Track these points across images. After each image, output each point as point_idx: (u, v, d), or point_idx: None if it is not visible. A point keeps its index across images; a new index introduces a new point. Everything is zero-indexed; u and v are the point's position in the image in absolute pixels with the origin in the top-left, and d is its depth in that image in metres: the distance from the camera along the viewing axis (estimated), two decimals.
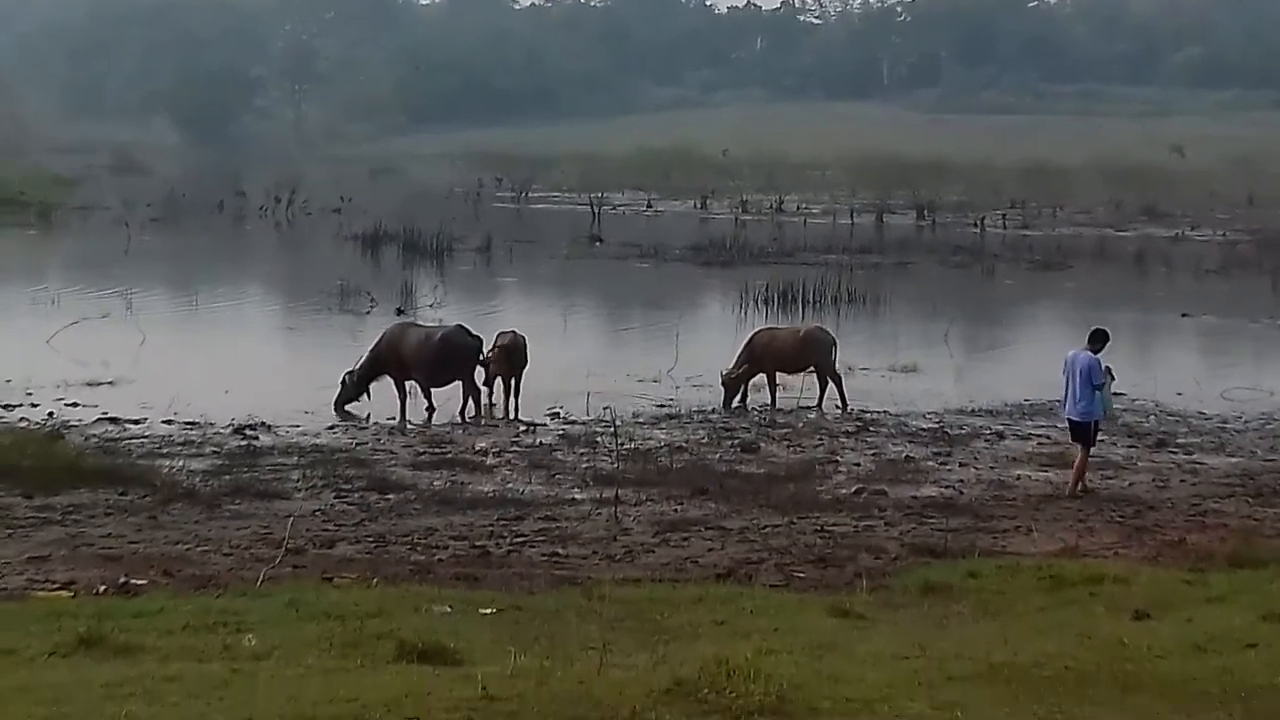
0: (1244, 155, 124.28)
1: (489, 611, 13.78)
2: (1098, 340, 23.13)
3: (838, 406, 29.16)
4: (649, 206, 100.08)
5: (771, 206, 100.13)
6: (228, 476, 21.52)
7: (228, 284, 53.99)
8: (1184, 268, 65.73)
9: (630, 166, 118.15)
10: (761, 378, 30.06)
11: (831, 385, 29.72)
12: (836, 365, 30.05)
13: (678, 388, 30.13)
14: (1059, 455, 24.73)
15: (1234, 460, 24.36)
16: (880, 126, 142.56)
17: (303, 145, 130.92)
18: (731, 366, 29.80)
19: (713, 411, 28.47)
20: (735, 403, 29.22)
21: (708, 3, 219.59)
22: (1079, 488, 22.37)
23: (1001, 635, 12.67)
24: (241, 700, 9.76)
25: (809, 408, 29.15)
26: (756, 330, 32.37)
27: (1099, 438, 23.35)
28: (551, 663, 11.11)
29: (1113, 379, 23.27)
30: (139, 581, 15.46)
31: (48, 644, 11.90)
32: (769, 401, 29.57)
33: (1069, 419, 23.01)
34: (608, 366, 32.67)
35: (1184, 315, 47.86)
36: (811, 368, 29.98)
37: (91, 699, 9.86)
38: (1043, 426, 27.56)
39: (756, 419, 27.86)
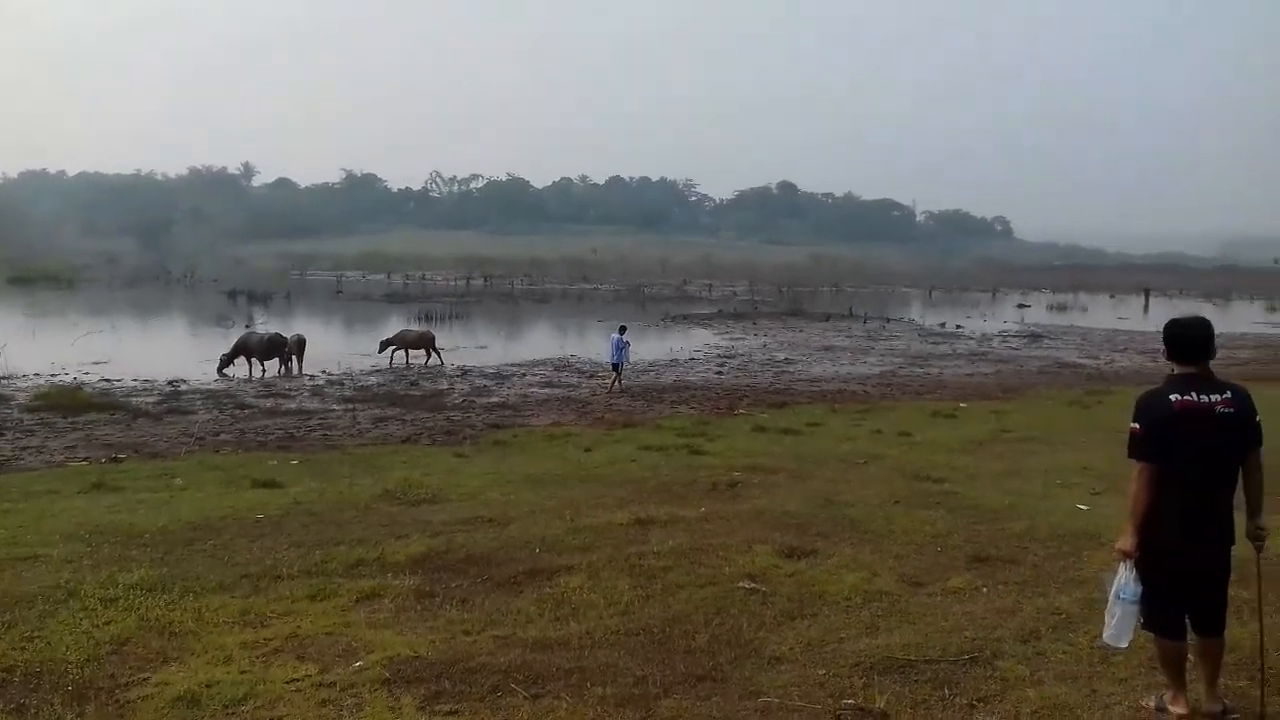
0: (622, 253, 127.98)
1: (295, 462, 13.08)
2: (623, 330, 24.01)
3: (440, 365, 28.19)
4: (364, 278, 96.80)
5: (423, 277, 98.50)
6: (164, 404, 19.97)
7: (163, 314, 50.23)
8: (596, 301, 67.29)
9: (358, 261, 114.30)
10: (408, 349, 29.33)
11: (436, 356, 28.92)
12: (438, 345, 29.49)
13: (378, 357, 29.01)
14: (550, 381, 24.87)
15: (626, 383, 24.36)
16: (471, 243, 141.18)
17: (195, 251, 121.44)
18: (386, 340, 29.09)
19: (394, 368, 27.64)
20: (389, 363, 28.22)
21: (387, 183, 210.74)
22: (616, 390, 22.80)
23: (528, 462, 12.64)
24: (174, 510, 9.06)
25: (427, 366, 28.17)
26: (403, 329, 31.56)
27: (618, 372, 23.64)
28: (326, 484, 10.65)
29: (629, 345, 23.92)
30: (122, 456, 14.17)
31: (76, 487, 10.81)
32: (405, 363, 28.53)
33: (611, 363, 23.60)
34: (346, 348, 31.38)
35: (599, 320, 48.05)
36: (425, 349, 29.28)
37: (104, 508, 9.05)
38: (544, 371, 27.48)
39: (410, 373, 27.01)
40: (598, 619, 5.99)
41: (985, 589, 6.52)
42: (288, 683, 5.03)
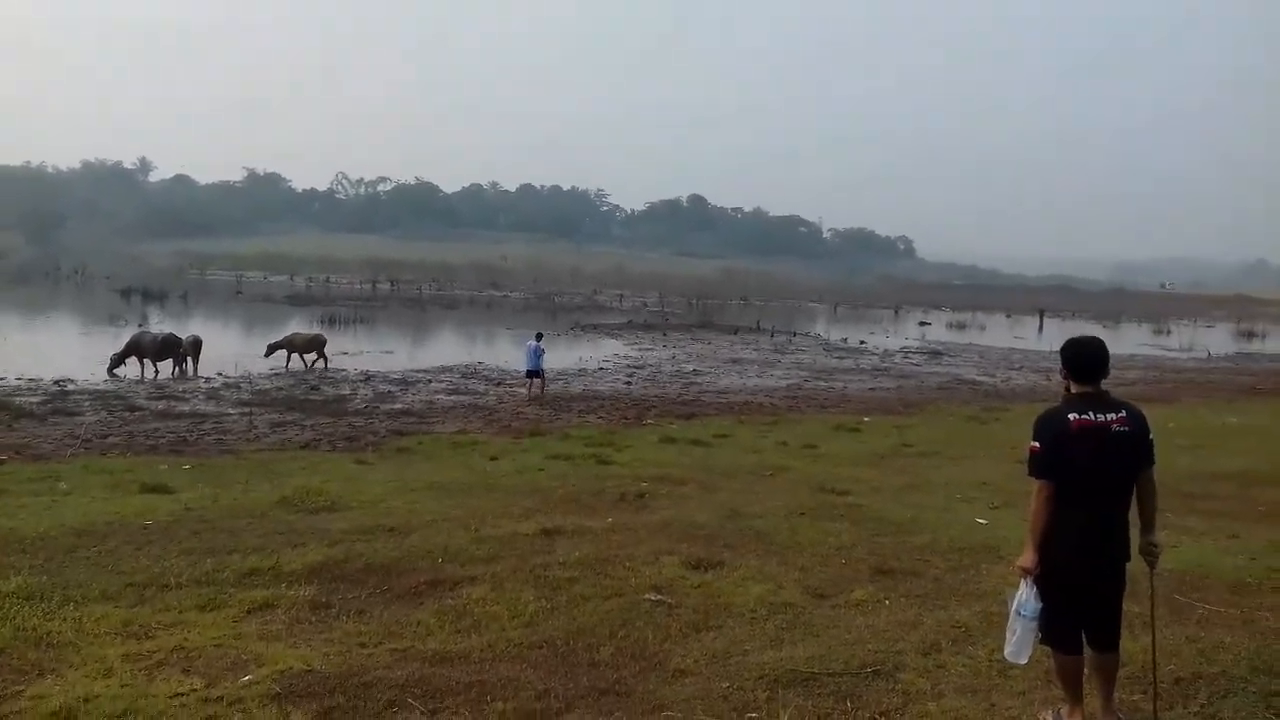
0: (532, 261, 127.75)
1: (188, 467, 12.62)
2: (540, 337, 24.26)
3: (326, 370, 27.51)
4: (266, 279, 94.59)
5: (327, 280, 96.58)
6: (50, 405, 19.12)
7: (52, 311, 48.19)
8: (505, 308, 66.83)
9: (259, 261, 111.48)
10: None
11: (321, 361, 28.22)
12: (327, 351, 28.94)
13: (275, 360, 28.28)
14: (457, 388, 24.49)
15: (520, 391, 23.97)
16: (377, 247, 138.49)
17: (87, 247, 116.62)
18: (274, 344, 28.68)
19: (292, 372, 26.95)
20: (286, 366, 27.62)
21: (291, 182, 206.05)
22: (537, 398, 22.73)
23: (432, 470, 12.39)
24: (57, 514, 8.63)
25: (327, 370, 27.48)
26: (293, 332, 30.74)
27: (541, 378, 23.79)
28: (220, 490, 10.29)
29: (545, 352, 24.04)
30: (3, 458, 13.47)
31: None
32: (303, 366, 27.91)
33: (528, 370, 23.58)
34: (244, 350, 30.36)
35: (508, 328, 47.57)
36: (315, 353, 28.67)
37: None
38: (451, 378, 27.04)
39: (307, 376, 26.32)
40: (500, 631, 5.85)
41: (888, 601, 6.57)
42: (171, 697, 4.78)
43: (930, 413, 22.26)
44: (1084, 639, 4.49)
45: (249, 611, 6.15)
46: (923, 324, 71.48)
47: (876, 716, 4.76)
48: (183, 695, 4.81)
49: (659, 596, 6.51)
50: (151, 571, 6.93)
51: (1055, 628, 4.46)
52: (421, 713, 4.66)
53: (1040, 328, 71.84)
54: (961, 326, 70.07)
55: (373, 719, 4.58)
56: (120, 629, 5.76)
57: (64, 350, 29.78)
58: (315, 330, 32.32)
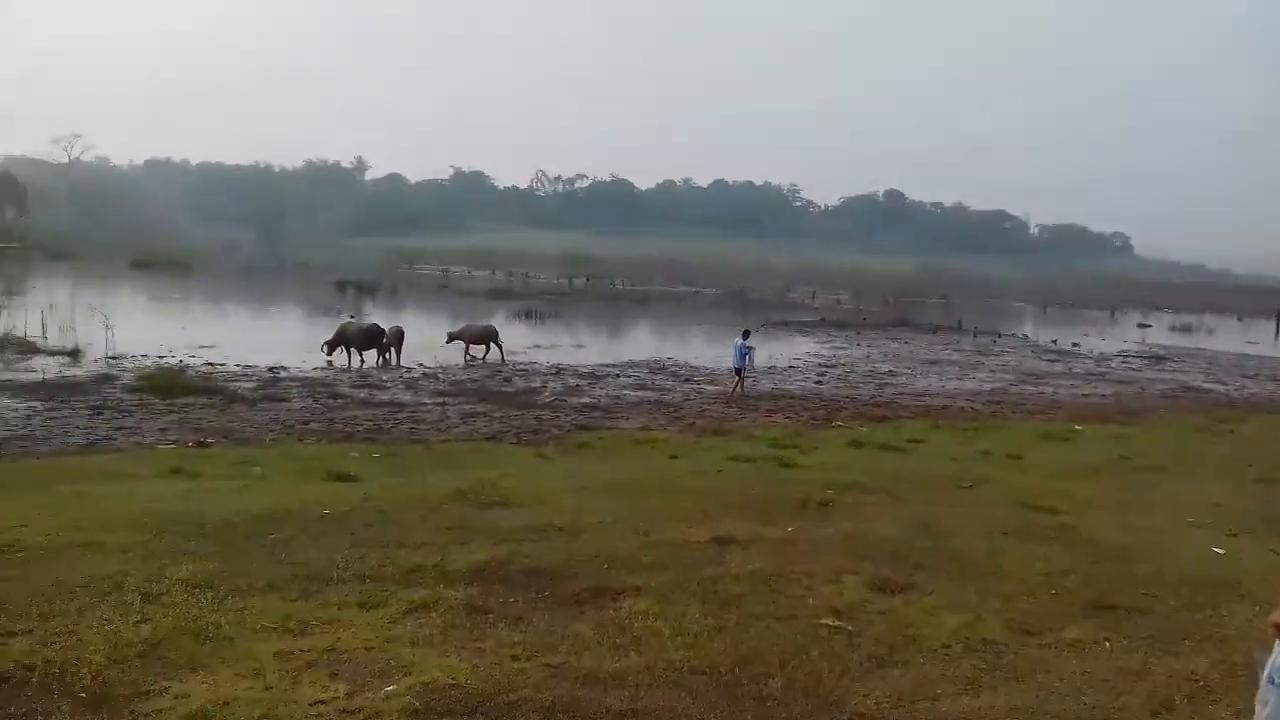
0: (721, 257, 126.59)
1: (377, 456, 12.83)
2: (747, 335, 23.62)
3: (504, 359, 28.04)
4: (469, 274, 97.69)
5: (526, 274, 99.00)
6: (261, 390, 20.06)
7: (274, 302, 51.20)
8: (696, 304, 66.55)
9: (464, 256, 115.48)
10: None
11: (497, 351, 28.49)
12: (502, 341, 29.16)
13: (468, 355, 28.92)
14: (644, 384, 24.30)
15: (709, 389, 23.66)
16: (575, 242, 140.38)
17: (308, 242, 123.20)
18: (452, 334, 29.29)
19: (474, 363, 27.47)
20: (465, 358, 28.13)
21: (494, 180, 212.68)
22: (737, 395, 22.46)
23: (611, 468, 12.08)
24: (244, 500, 8.78)
25: (504, 363, 27.74)
26: (466, 323, 31.29)
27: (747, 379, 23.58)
28: (402, 480, 10.33)
29: (753, 349, 23.69)
30: (210, 441, 14.18)
31: (155, 471, 10.77)
32: (478, 358, 28.33)
33: (735, 367, 23.11)
34: (442, 343, 31.12)
35: (698, 324, 47.25)
36: (491, 343, 29.03)
37: (176, 494, 8.86)
38: (638, 373, 26.84)
39: (505, 369, 26.68)
40: (661, 651, 5.39)
41: (1108, 643, 5.72)
42: (311, 705, 4.57)
43: (1152, 422, 20.43)
44: None
45: (406, 612, 5.94)
46: (1142, 325, 66.73)
47: None
48: (323, 704, 4.58)
49: (838, 622, 5.89)
50: (319, 564, 6.87)
51: None
52: None
53: (1278, 332, 65.78)
54: (1186, 329, 64.97)
55: None
56: (280, 624, 5.65)
57: (281, 339, 31.44)
58: (486, 322, 32.84)
